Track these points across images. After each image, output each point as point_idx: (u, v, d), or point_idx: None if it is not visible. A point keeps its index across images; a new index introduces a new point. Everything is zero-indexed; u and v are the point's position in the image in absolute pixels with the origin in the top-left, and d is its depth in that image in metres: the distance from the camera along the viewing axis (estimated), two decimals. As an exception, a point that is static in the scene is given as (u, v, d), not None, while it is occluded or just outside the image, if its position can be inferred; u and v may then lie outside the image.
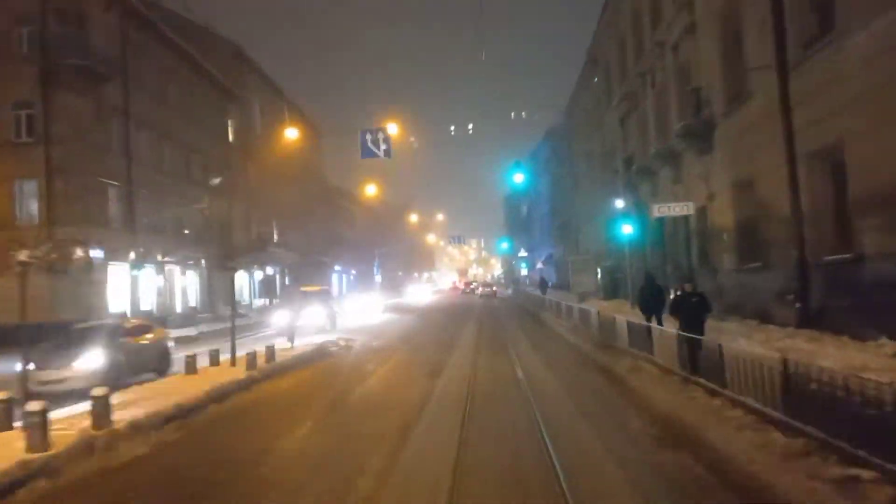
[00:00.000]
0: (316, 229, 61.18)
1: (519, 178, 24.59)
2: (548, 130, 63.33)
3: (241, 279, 44.15)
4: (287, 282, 53.50)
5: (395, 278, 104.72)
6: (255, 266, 46.01)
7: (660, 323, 15.98)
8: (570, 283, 33.30)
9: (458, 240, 58.68)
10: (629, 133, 27.64)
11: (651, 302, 16.38)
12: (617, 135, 29.83)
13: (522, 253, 63.52)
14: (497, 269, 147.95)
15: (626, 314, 20.00)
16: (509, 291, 68.86)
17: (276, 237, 50.79)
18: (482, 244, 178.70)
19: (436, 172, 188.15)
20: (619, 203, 24.92)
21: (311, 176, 60.15)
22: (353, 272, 76.33)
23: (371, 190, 44.01)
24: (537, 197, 72.00)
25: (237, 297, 44.15)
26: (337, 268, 68.74)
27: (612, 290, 31.80)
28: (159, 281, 33.17)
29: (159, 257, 32.97)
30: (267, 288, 47.75)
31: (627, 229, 23.76)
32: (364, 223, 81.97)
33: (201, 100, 39.14)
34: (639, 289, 17.80)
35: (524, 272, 64.26)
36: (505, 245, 79.19)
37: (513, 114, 61.73)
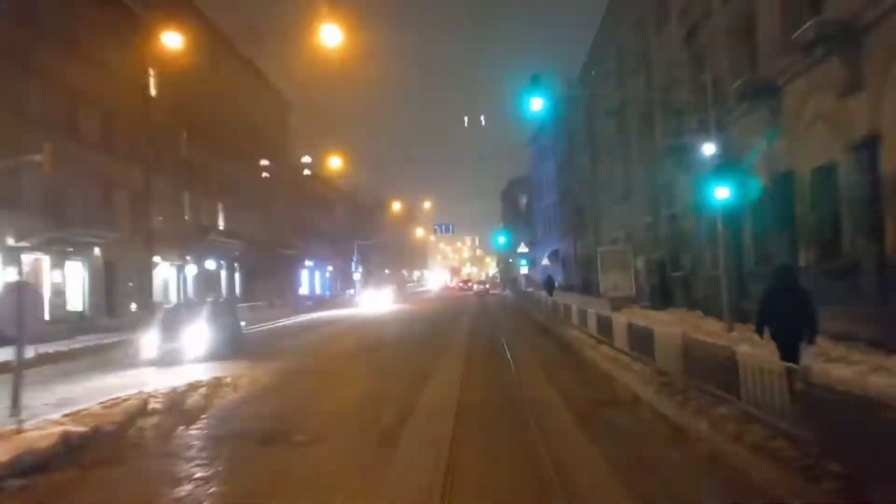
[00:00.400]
0: (281, 217, 50.62)
1: (537, 104, 14.03)
2: (554, 104, 52.93)
3: (166, 274, 33.62)
4: (238, 278, 42.98)
5: (382, 276, 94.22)
6: (189, 258, 35.46)
7: (791, 358, 5.77)
8: (600, 283, 22.77)
9: (446, 229, 47.85)
10: (708, 50, 17.17)
11: (797, 318, 7.06)
12: (679, 62, 19.36)
13: (522, 248, 53.31)
14: (492, 268, 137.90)
15: (717, 338, 9.87)
16: (507, 293, 58.39)
17: (222, 223, 40.23)
18: (476, 242, 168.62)
19: (429, 167, 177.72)
20: (708, 149, 14.41)
21: (275, 154, 49.59)
22: (330, 268, 65.78)
23: (335, 163, 33.65)
24: (539, 185, 61.65)
25: (158, 297, 33.78)
26: (308, 263, 58.20)
27: (662, 293, 21.36)
28: (8, 275, 22.56)
29: (10, 241, 22.44)
30: (206, 286, 37.17)
31: (723, 193, 13.37)
32: (345, 214, 71.40)
33: (100, 33, 28.41)
34: (765, 292, 7.58)
35: (524, 270, 53.98)
36: (502, 239, 68.71)
37: (466, 119, 51.14)
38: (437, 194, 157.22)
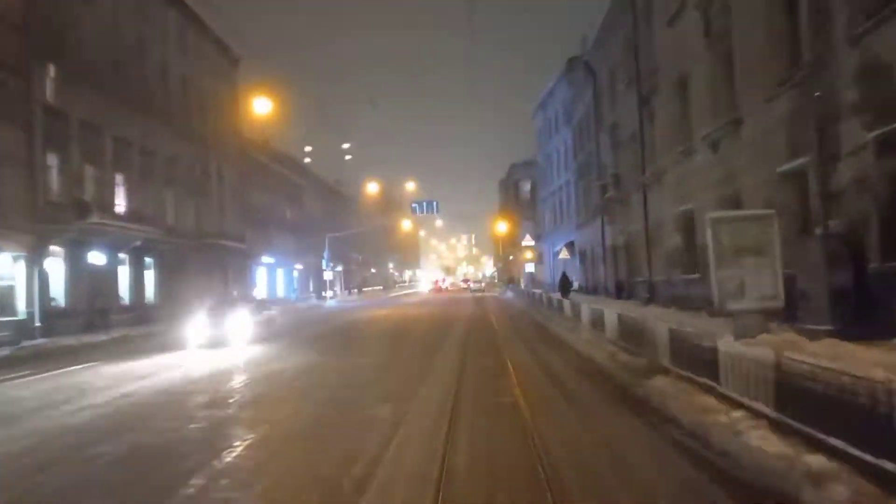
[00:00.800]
0: (224, 202, 39.15)
1: None
2: (568, 62, 41.72)
3: (8, 270, 22.02)
4: (152, 277, 31.30)
5: (367, 277, 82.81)
6: (56, 247, 23.90)
7: None
8: (714, 286, 11.00)
9: (429, 208, 36.08)
10: None
11: None
12: None
13: (528, 241, 41.98)
14: (489, 267, 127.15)
15: None
16: (509, 294, 46.93)
17: (123, 203, 28.62)
18: (472, 241, 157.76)
19: (422, 158, 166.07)
20: None
21: (216, 121, 38.11)
22: (299, 266, 54.14)
23: (262, 108, 21.93)
24: (547, 166, 50.20)
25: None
26: (267, 259, 46.54)
27: (860, 306, 9.82)
28: None
29: None
30: (89, 288, 25.59)
31: None
32: (317, 202, 59.83)
33: None
34: None
35: (529, 268, 42.59)
36: (503, 228, 57.25)
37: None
38: (428, 190, 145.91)
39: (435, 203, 31.61)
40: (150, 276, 30.81)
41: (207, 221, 36.73)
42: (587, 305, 15.22)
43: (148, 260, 30.52)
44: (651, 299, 22.69)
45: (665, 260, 21.22)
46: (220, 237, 36.96)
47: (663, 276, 21.42)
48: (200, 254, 35.24)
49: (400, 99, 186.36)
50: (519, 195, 63.53)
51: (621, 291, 27.32)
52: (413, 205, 32.63)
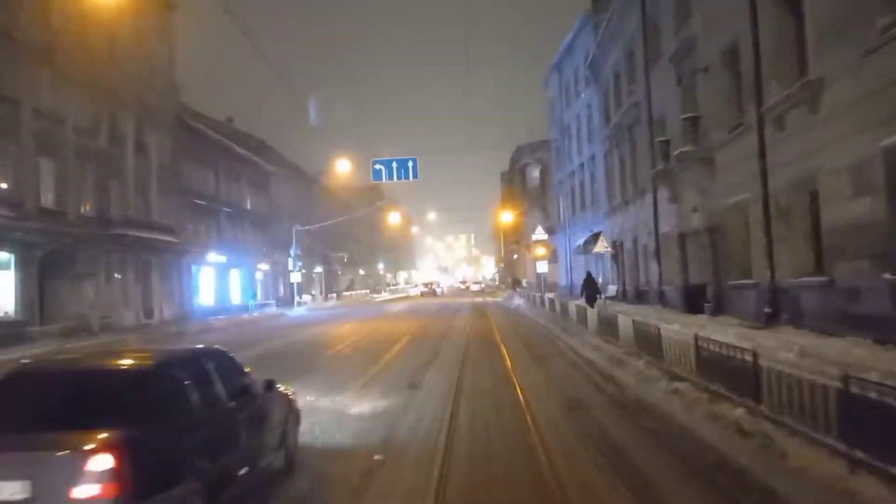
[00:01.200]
0: (148, 182, 29.61)
1: None
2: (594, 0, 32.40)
3: None
4: (20, 280, 21.73)
5: (355, 279, 73.31)
6: None
7: None
8: None
9: (399, 171, 25.34)
10: None
11: None
12: None
13: (539, 234, 32.52)
14: (490, 268, 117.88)
15: None
16: (518, 301, 37.31)
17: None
18: (472, 240, 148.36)
19: (421, 157, 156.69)
20: None
21: (140, 74, 28.57)
22: (265, 267, 44.47)
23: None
24: (565, 141, 40.69)
25: None
26: (217, 258, 36.83)
27: None
28: None
29: None
30: None
31: None
32: (288, 191, 50.21)
33: None
34: None
35: (541, 267, 33.13)
36: (509, 219, 47.58)
37: None
38: (426, 185, 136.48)
39: (411, 163, 20.95)
40: (7, 280, 21.21)
41: (119, 206, 27.22)
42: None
43: (3, 256, 20.97)
44: (775, 316, 13.11)
45: (819, 248, 11.67)
46: (132, 227, 27.34)
47: (813, 275, 11.86)
48: (104, 250, 25.74)
49: (398, 94, 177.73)
50: (526, 184, 53.95)
51: (697, 302, 17.61)
52: (376, 166, 21.05)
